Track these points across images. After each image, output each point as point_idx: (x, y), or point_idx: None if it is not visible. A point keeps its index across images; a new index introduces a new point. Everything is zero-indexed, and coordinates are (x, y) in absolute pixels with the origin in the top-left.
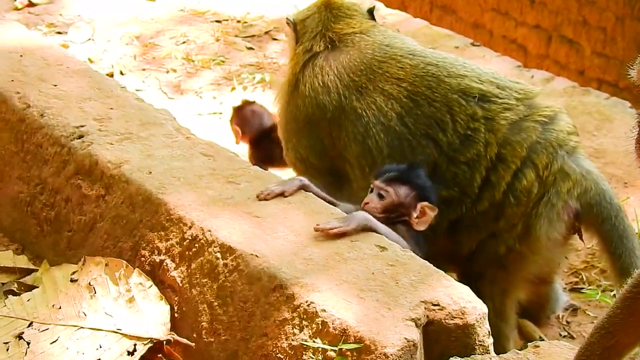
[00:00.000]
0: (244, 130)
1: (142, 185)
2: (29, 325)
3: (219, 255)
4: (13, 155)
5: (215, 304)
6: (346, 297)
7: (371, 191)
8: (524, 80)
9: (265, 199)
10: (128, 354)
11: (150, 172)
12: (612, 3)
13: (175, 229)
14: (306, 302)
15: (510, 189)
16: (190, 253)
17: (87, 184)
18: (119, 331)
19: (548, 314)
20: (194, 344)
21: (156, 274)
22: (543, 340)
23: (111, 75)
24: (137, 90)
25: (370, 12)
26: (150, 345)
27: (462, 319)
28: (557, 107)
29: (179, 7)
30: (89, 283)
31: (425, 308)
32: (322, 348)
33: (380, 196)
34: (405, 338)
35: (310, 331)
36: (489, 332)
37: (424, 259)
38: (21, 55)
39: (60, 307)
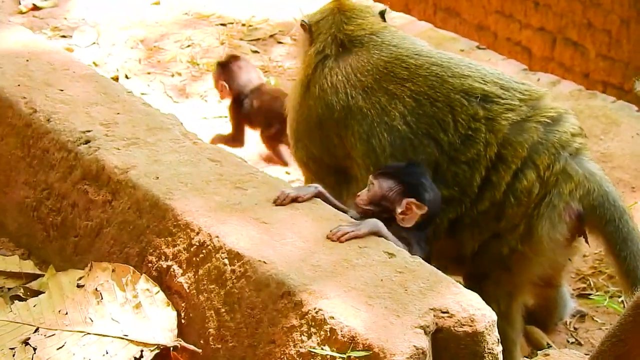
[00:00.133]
0: (231, 86)
1: (149, 191)
2: (35, 331)
3: (226, 261)
4: (19, 160)
5: (223, 310)
6: (355, 304)
7: None
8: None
9: (282, 204)
10: None
11: (158, 178)
12: (617, 5)
13: (182, 235)
14: (314, 309)
15: (511, 189)
16: (198, 259)
17: (94, 189)
18: (125, 337)
19: (556, 320)
20: (201, 351)
21: (163, 280)
22: (551, 346)
23: (116, 79)
24: (142, 94)
25: (382, 14)
26: (157, 351)
27: (471, 326)
28: (562, 108)
29: (184, 11)
30: (96, 289)
31: (434, 315)
32: (330, 355)
33: (369, 189)
34: (414, 346)
35: (318, 338)
36: (498, 340)
37: (427, 261)
38: (27, 60)
39: (66, 313)
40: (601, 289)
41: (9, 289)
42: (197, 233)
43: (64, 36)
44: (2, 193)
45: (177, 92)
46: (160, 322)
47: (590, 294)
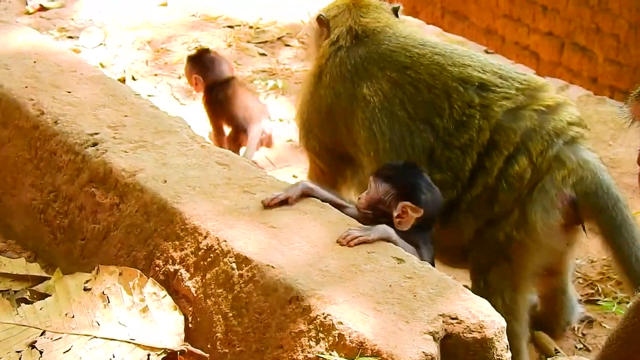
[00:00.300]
0: (205, 78)
1: (156, 194)
2: (41, 334)
3: (234, 265)
4: (26, 163)
5: (230, 314)
6: (363, 309)
7: None
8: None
9: (270, 205)
10: None
11: (165, 181)
12: (625, 10)
13: (190, 239)
14: (323, 314)
15: (503, 174)
16: (205, 263)
17: (101, 192)
18: (132, 341)
19: (563, 324)
20: (208, 355)
21: (170, 284)
22: (559, 352)
23: (123, 81)
24: (149, 95)
25: (395, 10)
26: (164, 355)
27: (480, 332)
28: (561, 98)
29: (191, 12)
30: (103, 292)
31: (443, 321)
32: None
33: (367, 191)
34: (423, 352)
35: (326, 344)
36: (507, 346)
37: (434, 259)
38: (35, 62)
39: (73, 316)
40: (609, 295)
41: (16, 291)
42: (205, 237)
43: (70, 37)
44: (9, 195)
45: (184, 94)
46: (167, 326)
47: (598, 300)
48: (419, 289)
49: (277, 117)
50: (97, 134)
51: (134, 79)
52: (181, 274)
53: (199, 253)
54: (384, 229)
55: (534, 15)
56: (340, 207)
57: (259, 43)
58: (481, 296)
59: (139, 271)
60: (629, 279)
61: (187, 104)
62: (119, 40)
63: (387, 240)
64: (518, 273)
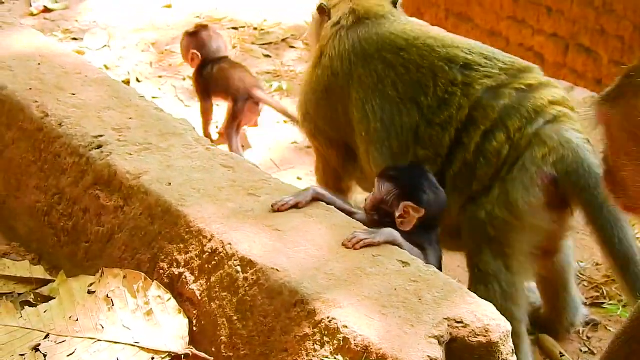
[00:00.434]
0: (202, 54)
1: (161, 197)
2: (45, 337)
3: (239, 269)
4: (30, 165)
5: (235, 318)
6: (368, 313)
7: None
8: None
9: (280, 210)
10: None
11: (170, 184)
12: (630, 12)
13: (194, 242)
14: (328, 317)
15: (481, 149)
16: (210, 266)
17: (106, 195)
18: (136, 344)
19: (567, 325)
20: (212, 358)
21: (175, 287)
22: (564, 356)
23: (127, 83)
24: (154, 97)
25: (394, 3)
26: (168, 359)
27: (485, 336)
28: (545, 79)
29: (196, 14)
30: (107, 295)
31: (448, 325)
32: None
33: (373, 192)
34: (429, 356)
35: (331, 347)
36: (512, 350)
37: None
38: (39, 64)
39: (77, 319)
40: (614, 298)
41: (19, 294)
42: (210, 240)
43: (75, 39)
44: (13, 197)
45: (189, 96)
46: (171, 330)
47: (603, 303)
48: (424, 293)
49: (281, 118)
50: (101, 136)
51: (138, 80)
52: (186, 277)
53: (204, 256)
54: (389, 232)
55: (539, 16)
56: (349, 214)
57: (264, 44)
58: (479, 284)
59: (143, 274)
60: (613, 262)
61: (192, 106)
62: (124, 42)
63: (393, 243)
64: (507, 253)
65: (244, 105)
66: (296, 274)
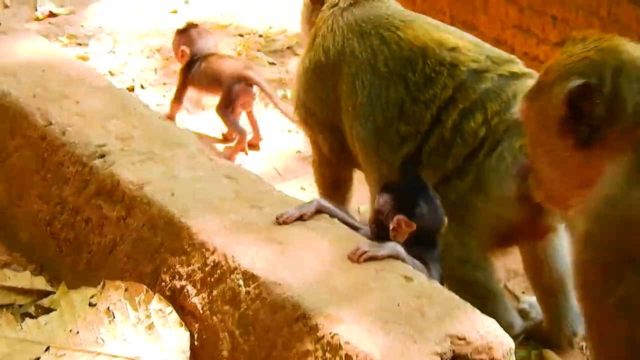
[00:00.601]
0: (192, 51)
1: (164, 208)
2: (45, 350)
3: (241, 282)
4: (33, 173)
5: (237, 332)
6: (371, 328)
7: None
8: None
9: (285, 223)
10: None
11: (173, 194)
12: (635, 22)
13: (197, 254)
14: (330, 333)
15: (458, 128)
16: (212, 279)
17: (108, 205)
18: (137, 358)
19: (569, 334)
20: None
21: (177, 300)
22: None
23: (132, 89)
24: (158, 104)
25: None
26: None
27: (488, 354)
28: (529, 70)
29: (201, 21)
30: (108, 308)
31: (451, 342)
32: None
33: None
34: None
35: None
36: None
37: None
38: (43, 70)
39: (78, 332)
40: None
41: (20, 305)
42: (212, 252)
43: (80, 44)
44: (15, 206)
45: (193, 104)
46: (173, 343)
47: None
48: (427, 309)
49: (285, 127)
50: (104, 145)
51: (142, 87)
52: (188, 290)
53: (206, 269)
54: (393, 246)
55: (544, 25)
56: (353, 228)
57: (269, 52)
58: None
59: (145, 287)
60: None
61: (196, 113)
62: (129, 48)
63: (397, 257)
64: (468, 232)
65: (238, 88)
66: (299, 288)
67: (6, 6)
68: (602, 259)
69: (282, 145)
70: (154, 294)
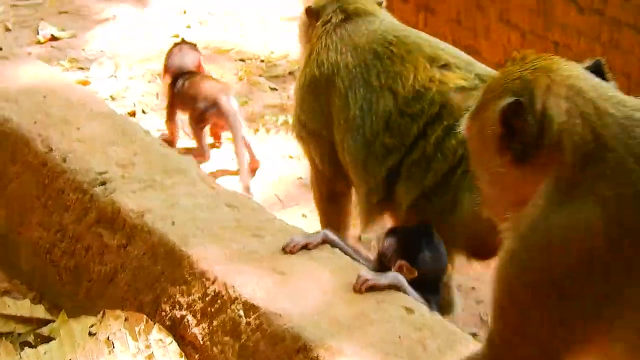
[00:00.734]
0: (167, 66)
1: (164, 236)
2: None
3: (241, 312)
4: (34, 200)
5: None
6: None
7: None
8: None
9: (291, 252)
10: None
11: (174, 223)
12: (637, 48)
13: (197, 284)
14: None
15: (440, 144)
16: (213, 309)
17: (109, 233)
18: None
19: None
20: None
21: (177, 330)
22: None
23: (133, 114)
24: (159, 130)
25: (379, 4)
26: None
27: None
28: None
29: (203, 45)
30: (108, 337)
31: None
32: None
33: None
34: None
35: None
36: None
37: None
38: (44, 96)
39: None
40: None
41: (19, 334)
42: (213, 282)
43: (81, 68)
44: (15, 233)
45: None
46: None
47: None
48: (428, 341)
49: (286, 153)
50: (105, 172)
51: (144, 112)
52: (188, 320)
53: (207, 299)
54: (394, 275)
55: (546, 51)
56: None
57: (270, 77)
58: None
59: (145, 316)
60: None
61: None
62: (130, 72)
63: (398, 287)
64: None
65: (211, 112)
66: (300, 319)
67: (8, 29)
68: (524, 278)
69: (283, 172)
70: (154, 323)
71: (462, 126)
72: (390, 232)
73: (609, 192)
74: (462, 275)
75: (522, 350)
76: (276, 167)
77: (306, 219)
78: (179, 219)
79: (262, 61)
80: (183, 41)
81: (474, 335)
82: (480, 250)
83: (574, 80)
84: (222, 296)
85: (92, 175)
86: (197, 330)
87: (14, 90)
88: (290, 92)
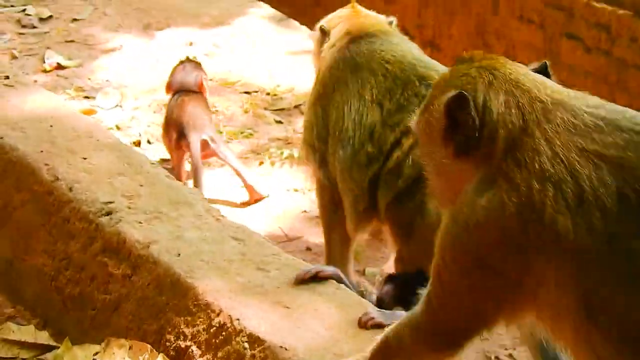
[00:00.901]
0: (169, 83)
1: (170, 268)
2: None
3: (246, 345)
4: (39, 228)
5: None
6: None
7: None
8: None
9: (304, 279)
10: None
11: (179, 255)
12: None
13: (202, 315)
14: None
15: (412, 151)
16: (217, 341)
17: (114, 263)
18: None
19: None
20: None
21: None
22: None
23: (138, 144)
24: (164, 159)
25: (390, 23)
26: None
27: None
28: None
29: (209, 77)
30: None
31: None
32: None
33: None
34: None
35: None
36: None
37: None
38: (51, 125)
39: None
40: None
41: (23, 359)
42: (218, 314)
43: (87, 97)
44: (20, 260)
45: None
46: None
47: None
48: None
49: (291, 187)
50: (111, 202)
51: (149, 142)
52: (192, 351)
53: (211, 330)
54: (400, 314)
55: None
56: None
57: (276, 110)
58: None
59: (149, 346)
60: None
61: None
62: (136, 102)
63: None
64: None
65: (185, 141)
66: (304, 353)
67: (14, 57)
68: (453, 252)
69: (288, 205)
70: (159, 353)
71: (413, 121)
72: (389, 279)
73: (521, 176)
74: None
75: (455, 312)
76: (281, 201)
77: (311, 252)
78: (184, 251)
79: (268, 94)
80: (187, 59)
81: None
82: None
83: (515, 76)
84: (227, 328)
85: (97, 205)
86: None
87: (20, 119)
88: (296, 125)
